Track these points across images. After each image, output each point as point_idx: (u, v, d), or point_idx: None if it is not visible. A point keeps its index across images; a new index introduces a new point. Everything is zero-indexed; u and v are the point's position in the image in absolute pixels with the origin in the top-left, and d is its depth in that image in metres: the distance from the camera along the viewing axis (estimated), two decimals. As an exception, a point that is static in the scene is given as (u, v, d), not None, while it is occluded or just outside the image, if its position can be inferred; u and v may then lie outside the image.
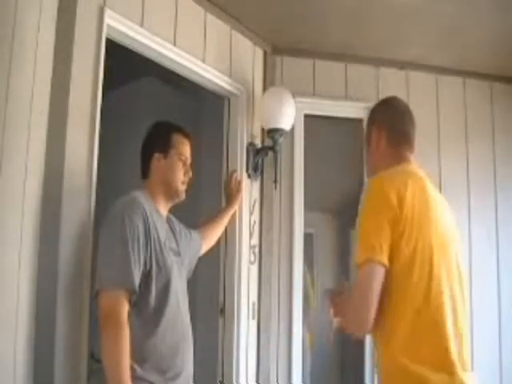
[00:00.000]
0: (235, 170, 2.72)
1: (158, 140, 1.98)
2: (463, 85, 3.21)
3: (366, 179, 2.97)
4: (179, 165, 1.98)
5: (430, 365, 1.36)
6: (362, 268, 1.42)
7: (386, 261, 1.41)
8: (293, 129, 2.83)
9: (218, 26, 2.67)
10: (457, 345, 1.42)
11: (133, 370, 1.63)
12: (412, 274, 1.42)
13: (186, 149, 2.01)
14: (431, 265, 1.44)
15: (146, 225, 1.75)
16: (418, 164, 1.66)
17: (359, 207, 1.50)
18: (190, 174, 2.02)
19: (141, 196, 1.83)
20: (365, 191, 1.51)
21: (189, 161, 2.02)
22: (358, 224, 1.48)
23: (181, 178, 1.98)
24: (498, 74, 3.21)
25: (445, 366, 1.38)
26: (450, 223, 1.58)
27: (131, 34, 2.17)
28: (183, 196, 2.00)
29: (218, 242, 2.55)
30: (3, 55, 1.69)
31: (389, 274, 1.42)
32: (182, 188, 1.99)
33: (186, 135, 2.03)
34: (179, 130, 2.02)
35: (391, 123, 1.69)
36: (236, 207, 2.64)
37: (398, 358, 1.38)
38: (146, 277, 1.72)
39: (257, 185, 2.87)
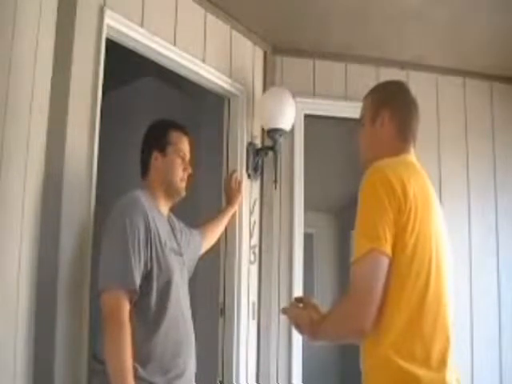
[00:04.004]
0: (235, 170, 2.72)
1: (156, 138, 1.98)
2: (463, 85, 3.21)
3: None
4: (178, 162, 1.97)
5: (422, 363, 1.34)
6: (366, 258, 1.34)
7: (390, 252, 1.35)
8: (293, 129, 2.82)
9: (218, 26, 2.67)
10: (449, 344, 1.41)
11: (135, 370, 1.63)
12: (411, 269, 1.38)
13: (184, 145, 2.00)
14: (430, 261, 1.41)
15: (147, 225, 1.75)
16: (415, 155, 1.61)
17: (359, 194, 1.42)
18: (190, 170, 2.01)
19: (141, 196, 1.82)
20: (366, 178, 1.43)
21: (188, 157, 2.02)
22: (359, 210, 1.40)
23: (180, 175, 1.97)
24: (498, 74, 3.21)
25: (438, 364, 1.36)
26: (441, 219, 1.55)
27: (131, 33, 2.17)
28: (184, 193, 2.00)
29: (218, 242, 2.55)
30: (3, 55, 1.69)
31: (389, 266, 1.35)
32: (182, 185, 1.99)
33: (184, 131, 2.03)
34: (176, 126, 2.01)
35: (406, 116, 1.60)
36: (236, 207, 2.64)
37: (389, 354, 1.35)
38: (147, 277, 1.73)
39: (257, 185, 2.87)
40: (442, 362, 1.37)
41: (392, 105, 1.61)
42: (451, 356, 1.41)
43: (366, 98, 1.69)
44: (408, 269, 1.38)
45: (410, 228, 1.38)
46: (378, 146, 1.60)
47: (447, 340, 1.41)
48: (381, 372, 1.38)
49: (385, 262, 1.35)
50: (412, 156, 1.59)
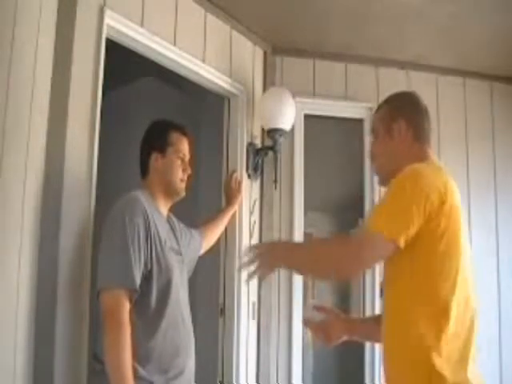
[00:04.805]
0: (235, 170, 2.72)
1: (155, 139, 1.98)
2: (463, 85, 3.21)
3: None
4: (177, 162, 1.97)
5: (446, 361, 1.36)
6: (380, 239, 1.38)
7: (402, 244, 1.37)
8: (293, 129, 2.82)
9: (218, 26, 2.67)
10: (472, 346, 1.43)
11: (135, 370, 1.63)
12: (442, 269, 1.41)
13: (183, 146, 2.00)
14: (457, 263, 1.43)
15: (147, 224, 1.75)
16: (437, 158, 1.64)
17: (396, 183, 1.46)
18: (189, 170, 2.01)
19: (141, 195, 1.82)
20: (403, 177, 1.46)
21: (187, 157, 2.02)
22: (395, 193, 1.44)
23: (179, 176, 1.97)
24: (498, 74, 3.21)
25: (461, 364, 1.38)
26: (465, 222, 1.59)
27: (131, 33, 2.17)
28: (183, 193, 2.00)
29: (218, 242, 2.55)
30: (3, 55, 1.69)
31: (420, 263, 1.40)
32: (182, 186, 1.99)
33: (184, 132, 2.03)
34: (176, 127, 2.01)
35: (421, 123, 1.64)
36: (236, 207, 2.64)
37: (415, 351, 1.38)
38: (147, 276, 1.73)
39: (257, 185, 2.87)
40: (464, 362, 1.39)
41: (406, 114, 1.64)
42: (474, 357, 1.42)
43: (378, 110, 1.73)
44: (439, 269, 1.41)
45: (440, 231, 1.41)
46: (398, 156, 1.62)
47: (470, 341, 1.42)
48: (407, 368, 1.41)
49: (389, 248, 1.39)
50: (436, 160, 1.61)
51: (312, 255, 1.52)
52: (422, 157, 1.58)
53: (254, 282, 2.78)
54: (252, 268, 1.52)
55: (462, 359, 1.39)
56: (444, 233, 1.42)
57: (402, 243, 1.38)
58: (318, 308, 1.83)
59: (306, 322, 1.75)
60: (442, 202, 1.41)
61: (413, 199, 1.40)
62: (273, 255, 1.55)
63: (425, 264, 1.42)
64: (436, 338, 1.37)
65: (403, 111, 1.64)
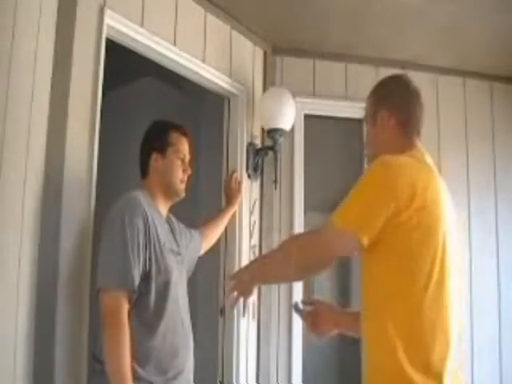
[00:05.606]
0: (235, 170, 2.72)
1: (156, 139, 1.98)
2: (463, 85, 3.21)
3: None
4: (178, 163, 1.97)
5: (420, 368, 1.32)
6: (346, 236, 1.40)
7: (366, 244, 1.37)
8: (293, 129, 2.83)
9: (218, 26, 2.67)
10: (450, 350, 1.38)
11: (134, 370, 1.63)
12: (412, 267, 1.37)
13: (183, 146, 2.00)
14: (433, 260, 1.38)
15: (146, 225, 1.75)
16: (424, 148, 1.61)
17: (369, 173, 1.47)
18: (190, 171, 2.01)
19: (140, 196, 1.82)
20: (373, 168, 1.46)
21: (187, 158, 2.02)
22: (365, 184, 1.45)
23: (180, 177, 1.97)
24: (498, 74, 3.21)
25: (437, 370, 1.33)
26: (452, 216, 1.52)
27: (131, 33, 2.17)
28: (183, 194, 2.00)
29: (218, 242, 2.55)
30: (3, 55, 1.69)
31: (395, 262, 1.38)
32: (182, 186, 1.99)
33: (184, 132, 2.02)
34: (176, 127, 2.01)
35: (406, 112, 1.60)
36: (236, 207, 2.64)
37: (388, 357, 1.34)
38: (146, 277, 1.73)
39: (257, 185, 2.87)
40: (442, 369, 1.34)
41: (390, 103, 1.61)
42: (453, 362, 1.37)
43: (368, 97, 1.70)
44: (411, 265, 1.38)
45: (415, 224, 1.37)
46: (382, 146, 1.61)
47: (448, 345, 1.38)
48: (380, 375, 1.38)
49: (355, 247, 1.41)
50: (420, 151, 1.58)
51: (285, 256, 1.51)
52: (404, 148, 1.55)
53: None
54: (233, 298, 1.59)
55: (437, 370, 1.34)
56: (416, 228, 1.37)
57: (365, 244, 1.37)
58: (309, 302, 1.83)
59: (296, 307, 1.75)
60: (412, 196, 1.37)
61: (379, 194, 1.39)
62: (243, 280, 1.58)
63: (395, 262, 1.38)
64: (407, 345, 1.33)
65: (387, 102, 1.61)
